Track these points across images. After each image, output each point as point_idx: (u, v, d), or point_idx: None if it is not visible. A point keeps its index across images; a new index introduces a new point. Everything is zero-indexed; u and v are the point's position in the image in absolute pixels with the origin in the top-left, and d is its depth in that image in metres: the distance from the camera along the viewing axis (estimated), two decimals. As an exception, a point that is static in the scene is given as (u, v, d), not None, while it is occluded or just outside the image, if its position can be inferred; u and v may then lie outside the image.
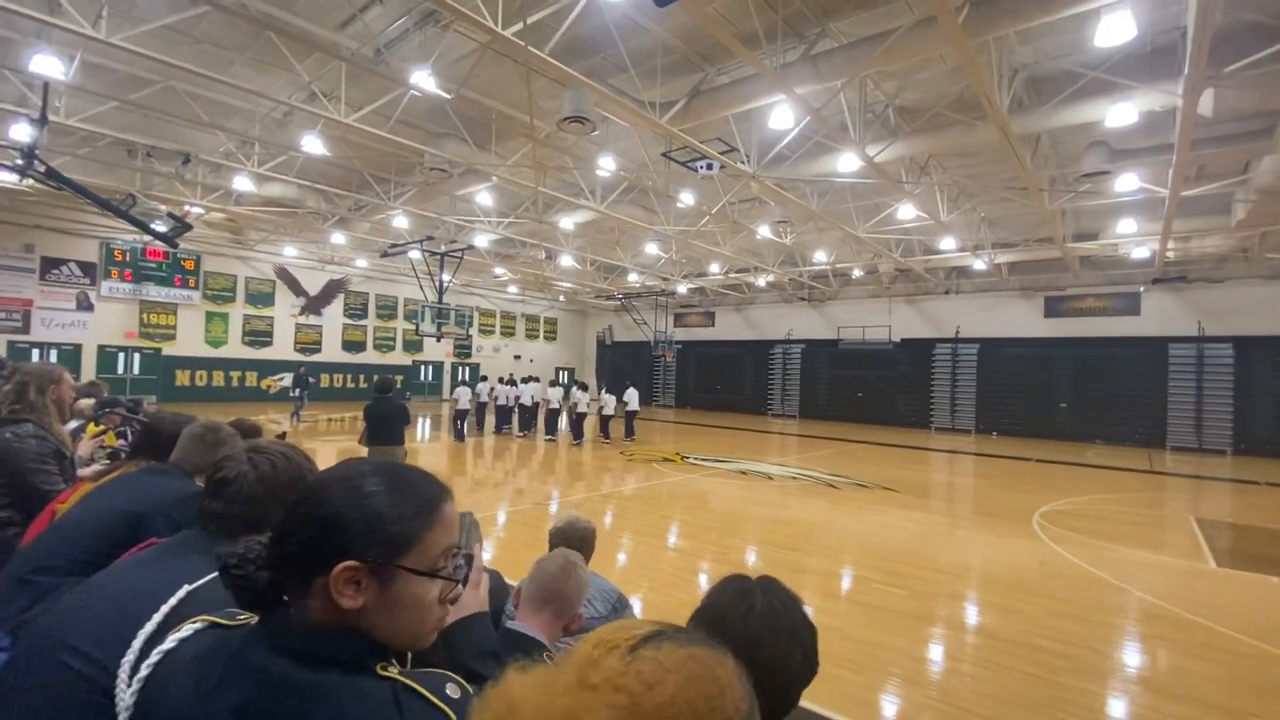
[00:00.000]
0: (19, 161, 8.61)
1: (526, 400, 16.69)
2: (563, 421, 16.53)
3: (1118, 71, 8.06)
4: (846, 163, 10.37)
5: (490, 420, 17.09)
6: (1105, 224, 15.55)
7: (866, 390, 24.28)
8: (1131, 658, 4.49)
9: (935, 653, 4.41)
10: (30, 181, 9.68)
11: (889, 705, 3.67)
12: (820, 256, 19.68)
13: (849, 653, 4.16)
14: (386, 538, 0.81)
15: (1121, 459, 15.68)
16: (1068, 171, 12.08)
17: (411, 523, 0.83)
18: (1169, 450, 17.84)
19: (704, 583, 5.69)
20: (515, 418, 16.90)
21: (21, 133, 9.93)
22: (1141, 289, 18.92)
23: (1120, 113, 8.21)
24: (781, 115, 9.23)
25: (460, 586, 1.11)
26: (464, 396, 15.38)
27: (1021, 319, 21.07)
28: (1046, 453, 16.39)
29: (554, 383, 16.79)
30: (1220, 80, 7.23)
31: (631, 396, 16.50)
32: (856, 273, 21.90)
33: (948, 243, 16.32)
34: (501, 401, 16.97)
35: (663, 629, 0.59)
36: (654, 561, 6.34)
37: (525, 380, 17.17)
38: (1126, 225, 14.70)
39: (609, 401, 16.33)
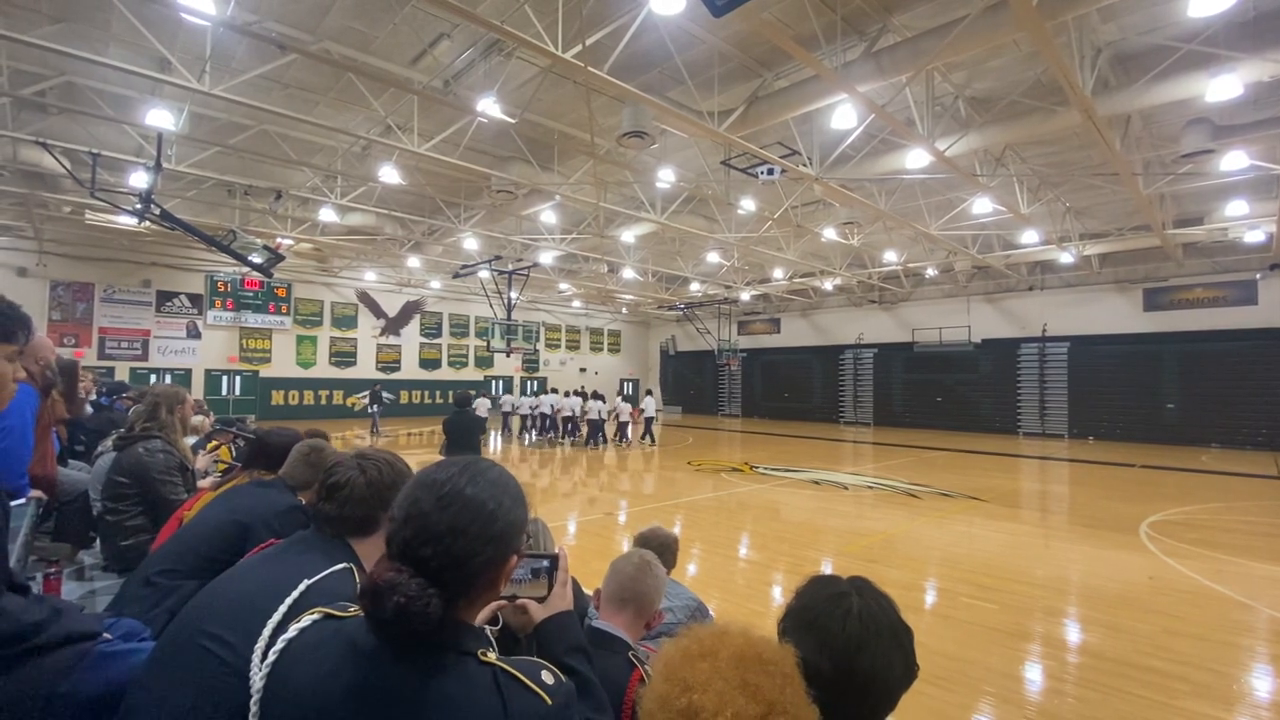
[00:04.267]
0: (138, 206, 9.61)
1: (546, 409, 18.54)
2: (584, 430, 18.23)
3: (1216, 42, 7.44)
4: (915, 159, 10.01)
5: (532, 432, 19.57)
6: (1211, 207, 14.31)
7: (946, 394, 23.15)
8: (1262, 682, 4.05)
9: (1033, 672, 4.13)
10: (147, 223, 10.74)
11: (984, 725, 3.47)
12: (890, 257, 18.98)
13: (938, 669, 3.96)
14: (520, 530, 0.96)
15: (1242, 464, 14.22)
16: (1164, 153, 11.20)
17: (525, 514, 0.98)
18: (1300, 453, 16.06)
19: (778, 595, 5.58)
20: (535, 426, 18.92)
21: (140, 180, 11.05)
22: (1258, 276, 17.16)
23: (1222, 86, 7.52)
24: (844, 115, 9.03)
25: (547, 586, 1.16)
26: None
27: (1117, 314, 19.55)
28: (1152, 458, 15.10)
29: (574, 392, 19.59)
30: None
31: (649, 404, 18.21)
32: (930, 272, 21.03)
33: (1030, 236, 15.43)
34: (544, 410, 18.72)
35: None
36: (726, 572, 6.26)
37: (551, 392, 19.36)
38: (1236, 207, 13.48)
39: (624, 409, 18.51)
